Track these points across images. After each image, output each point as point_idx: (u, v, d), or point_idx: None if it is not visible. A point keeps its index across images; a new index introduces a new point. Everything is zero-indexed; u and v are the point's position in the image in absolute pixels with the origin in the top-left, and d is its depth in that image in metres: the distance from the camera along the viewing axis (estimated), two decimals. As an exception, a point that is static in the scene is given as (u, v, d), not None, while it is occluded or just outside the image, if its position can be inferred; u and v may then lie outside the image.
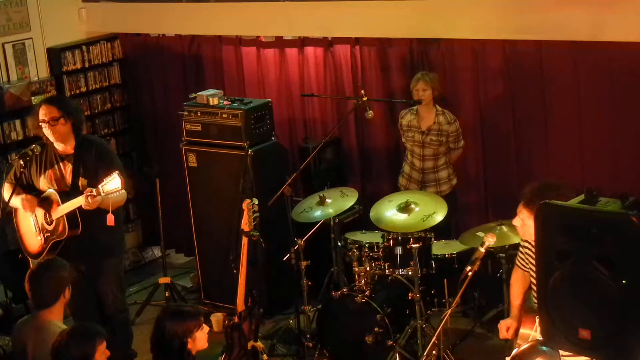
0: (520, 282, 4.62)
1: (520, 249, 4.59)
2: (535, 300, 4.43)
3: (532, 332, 4.35)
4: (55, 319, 4.52)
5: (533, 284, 4.44)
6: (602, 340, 3.16)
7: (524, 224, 4.32)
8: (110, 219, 5.33)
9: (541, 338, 4.12)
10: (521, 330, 4.45)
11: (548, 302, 3.31)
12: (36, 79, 7.57)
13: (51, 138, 5.54)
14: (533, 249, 4.39)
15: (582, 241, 3.16)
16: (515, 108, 6.39)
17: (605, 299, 3.11)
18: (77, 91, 7.82)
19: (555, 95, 6.17)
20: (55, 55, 7.72)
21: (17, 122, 7.37)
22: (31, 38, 7.58)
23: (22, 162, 5.60)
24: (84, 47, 7.89)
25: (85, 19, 8.08)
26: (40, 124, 5.53)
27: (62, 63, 7.72)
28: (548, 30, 5.94)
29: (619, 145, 5.97)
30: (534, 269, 4.39)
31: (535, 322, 4.31)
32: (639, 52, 5.67)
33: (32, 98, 7.44)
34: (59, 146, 5.59)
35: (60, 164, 5.60)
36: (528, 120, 6.35)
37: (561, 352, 3.58)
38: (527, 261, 4.52)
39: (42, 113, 5.53)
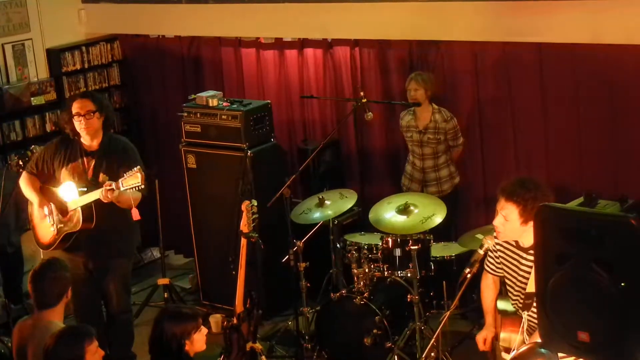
0: (491, 289, 4.63)
1: (490, 253, 4.55)
2: (512, 303, 4.43)
3: (513, 334, 4.34)
4: (57, 319, 4.52)
5: (509, 285, 4.42)
6: (601, 343, 3.15)
7: (507, 220, 4.24)
8: (135, 214, 5.42)
9: (522, 340, 4.16)
10: (502, 334, 4.45)
11: (547, 304, 3.31)
12: (36, 79, 7.57)
13: (83, 132, 5.56)
14: (507, 251, 4.39)
15: (581, 244, 3.15)
16: (515, 110, 6.38)
17: (604, 301, 3.10)
18: (77, 92, 7.77)
19: (555, 98, 6.16)
20: (54, 56, 7.72)
21: (17, 123, 7.38)
22: (31, 39, 7.58)
23: (21, 163, 5.64)
24: (83, 48, 7.90)
25: (84, 20, 8.08)
26: (74, 118, 5.55)
27: (61, 64, 7.73)
28: (547, 32, 5.94)
29: (618, 147, 5.97)
30: (510, 271, 4.39)
31: (517, 324, 4.31)
32: (638, 54, 5.67)
33: (32, 99, 7.44)
34: (86, 141, 5.62)
35: (85, 158, 5.63)
36: (527, 122, 6.34)
37: (560, 354, 3.57)
38: (499, 265, 4.48)
39: (78, 106, 5.57)
